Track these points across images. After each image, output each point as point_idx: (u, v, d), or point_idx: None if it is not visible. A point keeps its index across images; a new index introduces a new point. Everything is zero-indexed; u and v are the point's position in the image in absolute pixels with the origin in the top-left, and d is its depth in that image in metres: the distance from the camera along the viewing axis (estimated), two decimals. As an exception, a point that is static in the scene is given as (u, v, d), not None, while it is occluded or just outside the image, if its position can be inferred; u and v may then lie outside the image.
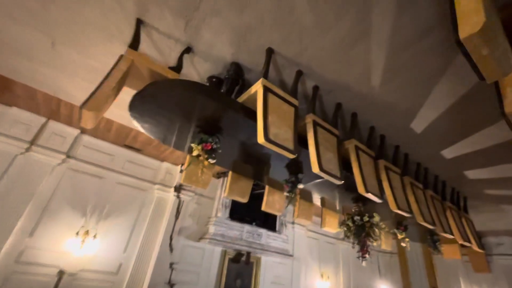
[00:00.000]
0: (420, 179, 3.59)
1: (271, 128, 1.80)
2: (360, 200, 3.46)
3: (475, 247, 4.34)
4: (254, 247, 5.26)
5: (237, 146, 2.57)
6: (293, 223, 6.58)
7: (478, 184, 4.03)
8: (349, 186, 2.81)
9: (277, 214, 3.62)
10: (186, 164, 2.52)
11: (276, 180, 3.28)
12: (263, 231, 5.57)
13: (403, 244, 4.06)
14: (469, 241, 4.17)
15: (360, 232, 3.20)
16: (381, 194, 2.60)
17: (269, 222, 5.89)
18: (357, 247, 3.15)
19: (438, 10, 1.64)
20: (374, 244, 3.17)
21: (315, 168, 2.06)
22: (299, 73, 2.31)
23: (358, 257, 3.15)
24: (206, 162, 2.09)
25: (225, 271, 5.22)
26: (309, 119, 2.32)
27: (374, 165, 2.80)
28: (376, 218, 3.15)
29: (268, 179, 3.34)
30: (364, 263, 3.11)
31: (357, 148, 2.62)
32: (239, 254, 5.35)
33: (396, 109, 2.63)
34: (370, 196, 2.45)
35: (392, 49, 1.96)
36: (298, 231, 6.55)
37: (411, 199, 3.12)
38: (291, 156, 1.89)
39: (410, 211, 2.90)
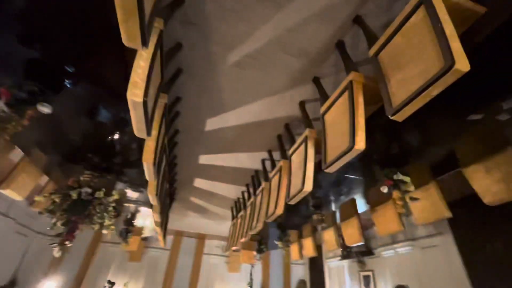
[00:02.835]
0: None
1: None
2: (98, 170, 2.57)
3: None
4: None
5: None
6: None
7: (195, 190, 4.72)
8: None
9: None
10: None
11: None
12: None
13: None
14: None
15: (77, 209, 2.26)
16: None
17: None
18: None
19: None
20: (96, 227, 2.35)
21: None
22: None
23: (53, 244, 2.14)
24: None
25: None
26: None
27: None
28: (115, 196, 2.43)
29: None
30: (58, 253, 2.14)
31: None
32: None
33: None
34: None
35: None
36: None
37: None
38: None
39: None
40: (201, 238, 8.54)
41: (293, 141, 2.61)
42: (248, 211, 3.75)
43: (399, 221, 2.74)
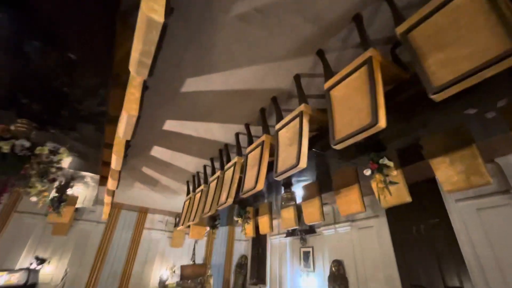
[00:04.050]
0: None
1: None
2: (39, 120, 1.99)
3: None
4: None
5: None
6: None
7: (149, 160, 4.22)
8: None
9: None
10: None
11: None
12: None
13: (35, 199, 2.84)
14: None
15: (9, 166, 1.72)
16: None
17: None
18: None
19: None
20: (33, 192, 1.84)
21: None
22: None
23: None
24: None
25: None
26: None
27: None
28: (64, 155, 1.93)
29: None
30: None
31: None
32: None
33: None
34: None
35: None
36: None
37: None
38: None
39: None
40: (143, 211, 7.93)
41: (279, 116, 2.48)
42: (213, 186, 3.55)
43: (362, 203, 2.96)
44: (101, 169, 3.41)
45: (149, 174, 4.81)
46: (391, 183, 2.08)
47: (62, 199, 3.91)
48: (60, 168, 1.98)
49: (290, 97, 2.64)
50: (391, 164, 2.04)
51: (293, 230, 6.65)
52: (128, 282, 7.08)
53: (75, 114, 2.16)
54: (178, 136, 3.44)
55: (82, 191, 4.55)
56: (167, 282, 7.34)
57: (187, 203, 4.77)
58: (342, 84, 1.75)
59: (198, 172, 4.58)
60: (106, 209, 4.46)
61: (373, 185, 2.17)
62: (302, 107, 2.11)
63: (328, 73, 1.95)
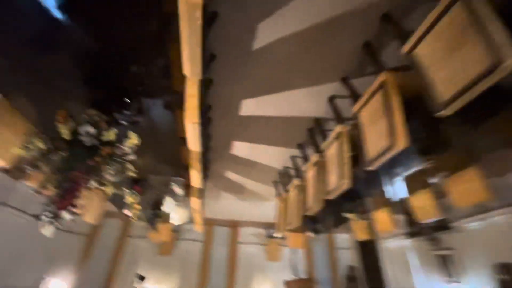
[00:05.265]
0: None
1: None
2: (112, 104, 1.68)
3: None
4: None
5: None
6: None
7: (231, 162, 3.82)
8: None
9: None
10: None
11: None
12: None
13: (129, 213, 2.67)
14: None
15: (75, 159, 1.38)
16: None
17: None
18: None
19: None
20: (108, 191, 1.49)
21: None
22: None
23: (42, 217, 1.29)
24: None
25: None
26: None
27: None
28: (134, 141, 1.54)
29: None
30: (50, 230, 1.28)
31: None
32: None
33: None
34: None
35: None
36: None
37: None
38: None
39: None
40: (233, 225, 7.73)
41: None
42: (312, 175, 2.79)
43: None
44: (184, 174, 3.12)
45: (233, 179, 4.42)
46: None
47: (157, 215, 3.82)
48: (133, 163, 1.59)
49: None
50: None
51: (418, 229, 5.15)
52: (234, 300, 6.80)
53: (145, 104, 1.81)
54: (256, 121, 2.88)
55: (174, 207, 4.46)
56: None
57: (280, 206, 4.12)
58: (366, 108, 1.73)
59: (285, 168, 3.91)
60: (197, 222, 4.23)
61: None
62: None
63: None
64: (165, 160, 2.60)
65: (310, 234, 4.22)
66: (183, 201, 3.77)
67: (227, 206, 5.83)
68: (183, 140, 2.34)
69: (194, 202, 3.04)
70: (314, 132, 2.91)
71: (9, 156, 1.81)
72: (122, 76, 1.73)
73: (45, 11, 1.23)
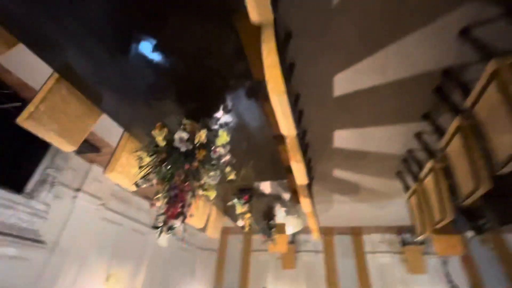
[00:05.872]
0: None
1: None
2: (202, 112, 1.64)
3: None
4: None
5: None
6: (78, 190, 3.84)
7: (336, 157, 3.34)
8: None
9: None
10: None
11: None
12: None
13: (242, 223, 2.62)
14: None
15: (178, 163, 1.34)
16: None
17: (12, 174, 2.93)
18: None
19: None
20: (202, 193, 1.40)
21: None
22: None
23: (158, 227, 1.26)
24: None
25: None
26: None
27: None
28: (224, 138, 1.42)
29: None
30: (164, 240, 1.24)
31: None
32: None
33: None
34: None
35: None
36: (82, 205, 3.85)
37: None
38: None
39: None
40: (355, 233, 6.84)
41: None
42: (456, 148, 1.98)
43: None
44: (287, 176, 2.87)
45: (343, 178, 3.85)
46: None
47: (270, 225, 3.71)
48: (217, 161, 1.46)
49: None
50: None
51: None
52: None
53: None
54: (356, 97, 2.35)
55: (285, 215, 4.28)
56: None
57: (413, 201, 3.24)
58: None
59: (409, 151, 3.07)
60: (313, 229, 3.85)
61: None
62: None
63: None
64: (265, 163, 2.44)
65: (468, 234, 3.07)
66: (292, 207, 3.52)
67: (342, 210, 5.20)
68: (278, 139, 2.13)
69: (305, 204, 2.73)
70: (446, 90, 2.11)
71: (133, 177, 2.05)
72: (208, 89, 1.70)
73: (150, 62, 1.32)
